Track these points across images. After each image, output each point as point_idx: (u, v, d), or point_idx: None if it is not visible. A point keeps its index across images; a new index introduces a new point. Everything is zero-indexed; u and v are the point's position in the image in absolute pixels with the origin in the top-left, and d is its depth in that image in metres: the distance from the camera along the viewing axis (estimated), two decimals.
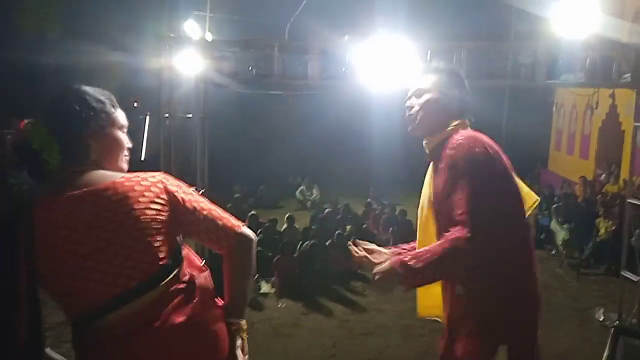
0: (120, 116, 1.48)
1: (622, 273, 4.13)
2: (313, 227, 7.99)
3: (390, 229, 8.43)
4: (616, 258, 4.47)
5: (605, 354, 3.68)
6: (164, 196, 1.41)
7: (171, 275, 1.40)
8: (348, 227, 8.02)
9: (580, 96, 11.80)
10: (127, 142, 1.51)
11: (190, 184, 3.99)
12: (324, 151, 14.52)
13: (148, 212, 1.37)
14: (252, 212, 8.23)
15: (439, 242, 1.67)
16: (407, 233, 8.48)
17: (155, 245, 1.37)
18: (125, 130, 1.50)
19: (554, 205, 8.68)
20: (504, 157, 1.80)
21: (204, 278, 1.51)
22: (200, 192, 3.89)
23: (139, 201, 1.36)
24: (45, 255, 1.31)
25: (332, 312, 5.56)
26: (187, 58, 3.67)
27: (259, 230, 7.41)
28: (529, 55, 3.79)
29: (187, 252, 1.53)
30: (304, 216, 9.44)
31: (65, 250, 1.31)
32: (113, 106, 1.46)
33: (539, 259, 7.02)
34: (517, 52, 3.83)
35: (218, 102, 6.01)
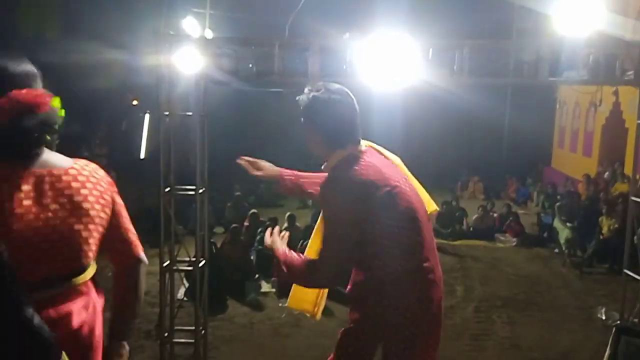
0: None
1: (625, 272, 4.10)
2: (314, 225, 7.96)
3: None
4: (619, 257, 4.43)
5: (607, 352, 3.66)
6: (108, 195, 1.45)
7: (86, 276, 1.41)
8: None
9: (583, 94, 11.76)
10: None
11: (190, 183, 3.96)
12: None
13: (97, 206, 1.40)
14: (253, 210, 8.21)
15: (306, 259, 1.95)
16: None
17: (90, 240, 1.39)
18: None
19: (557, 204, 8.65)
20: (373, 190, 1.74)
21: (98, 291, 1.51)
22: (201, 191, 3.87)
23: (93, 194, 1.39)
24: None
25: (332, 312, 5.53)
26: (187, 56, 3.64)
27: (260, 229, 7.38)
28: (532, 53, 3.76)
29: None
30: (305, 215, 9.41)
31: (19, 222, 1.28)
32: None
33: (541, 258, 7.00)
34: (520, 50, 3.79)
35: (218, 100, 5.99)
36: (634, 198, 4.08)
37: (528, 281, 6.62)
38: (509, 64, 3.78)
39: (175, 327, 3.96)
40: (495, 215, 9.40)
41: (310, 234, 7.66)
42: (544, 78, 3.82)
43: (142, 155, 9.43)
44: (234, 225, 7.05)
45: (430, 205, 2.11)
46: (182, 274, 5.42)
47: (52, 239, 1.32)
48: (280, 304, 5.75)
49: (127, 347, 1.55)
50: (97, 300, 1.49)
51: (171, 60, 3.66)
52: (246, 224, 7.68)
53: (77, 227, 1.35)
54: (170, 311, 3.96)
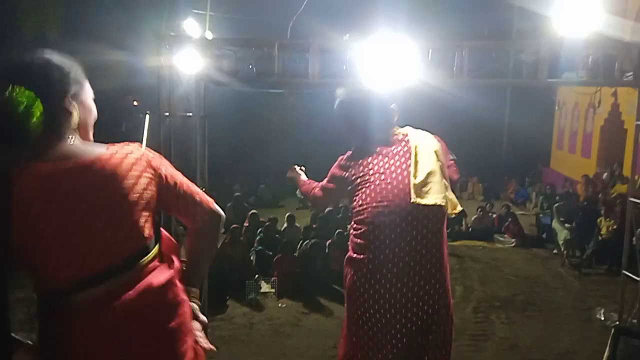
0: (89, 85, 1.47)
1: (623, 272, 4.12)
2: (314, 226, 7.98)
3: None
4: (617, 258, 4.45)
5: (606, 354, 3.67)
6: (150, 172, 1.41)
7: (151, 253, 1.41)
8: (349, 226, 8.01)
9: (582, 95, 11.77)
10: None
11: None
12: (325, 150, 14.49)
13: (136, 188, 1.36)
14: (253, 210, 8.21)
15: (316, 188, 2.63)
16: None
17: (142, 221, 1.37)
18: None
19: (556, 205, 8.67)
20: (343, 175, 2.31)
21: (176, 254, 1.54)
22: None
23: (128, 177, 1.34)
24: (24, 226, 1.25)
25: (332, 312, 5.55)
26: (187, 57, 3.65)
27: (259, 230, 7.39)
28: (531, 54, 3.77)
29: (162, 228, 1.54)
30: (304, 215, 9.42)
31: (48, 222, 1.26)
32: (83, 74, 1.44)
33: (540, 258, 7.02)
34: (519, 51, 3.81)
35: (218, 101, 6.01)
36: (632, 199, 4.09)
37: (527, 282, 6.63)
38: (509, 65, 3.80)
39: None
40: (494, 216, 9.42)
41: (310, 234, 7.68)
42: (543, 79, 3.83)
43: None
44: (233, 225, 7.06)
45: (420, 197, 2.07)
46: None
47: (93, 233, 1.30)
48: (279, 304, 5.76)
49: (195, 290, 1.59)
50: (175, 264, 1.51)
51: (172, 61, 3.68)
52: (246, 224, 7.69)
53: (118, 214, 1.33)
54: None
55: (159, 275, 1.41)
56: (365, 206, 2.11)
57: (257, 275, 6.32)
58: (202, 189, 3.87)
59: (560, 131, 14.02)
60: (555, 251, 7.85)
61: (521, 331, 5.03)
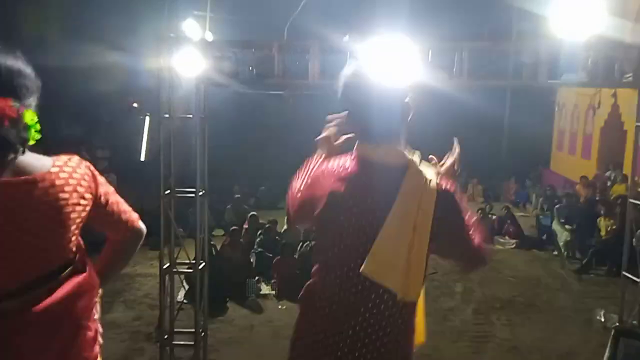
0: None
1: (624, 274, 4.11)
2: (314, 228, 7.97)
3: None
4: (617, 259, 4.44)
5: (606, 355, 3.67)
6: (91, 192, 1.43)
7: (71, 267, 1.42)
8: None
9: (582, 96, 11.78)
10: None
11: (190, 185, 3.96)
12: None
13: (77, 208, 1.38)
14: (252, 212, 8.21)
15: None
16: None
17: (72, 239, 1.40)
18: None
19: (556, 206, 8.66)
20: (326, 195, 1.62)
21: (89, 266, 1.52)
22: (200, 194, 3.88)
23: (72, 197, 1.35)
24: None
25: None
26: (187, 58, 3.65)
27: (259, 232, 7.38)
28: (531, 55, 3.76)
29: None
30: None
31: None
32: None
33: (540, 260, 7.01)
34: (519, 52, 3.80)
35: (218, 103, 6.00)
36: (632, 200, 4.09)
37: (527, 283, 6.63)
38: (508, 66, 3.79)
39: (175, 330, 3.97)
40: (494, 217, 9.41)
41: (310, 236, 7.65)
42: (543, 80, 3.83)
43: (143, 158, 9.45)
44: (233, 227, 7.05)
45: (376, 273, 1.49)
46: (182, 276, 5.42)
47: (29, 246, 1.30)
48: (279, 306, 5.75)
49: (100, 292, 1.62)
50: (93, 276, 1.51)
51: (172, 62, 3.67)
52: (245, 226, 7.68)
53: (59, 231, 1.35)
54: (170, 313, 3.96)
55: (72, 284, 1.42)
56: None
57: (257, 277, 6.31)
58: (201, 191, 3.89)
59: (560, 132, 14.02)
60: (555, 253, 7.85)
61: (521, 333, 5.02)
